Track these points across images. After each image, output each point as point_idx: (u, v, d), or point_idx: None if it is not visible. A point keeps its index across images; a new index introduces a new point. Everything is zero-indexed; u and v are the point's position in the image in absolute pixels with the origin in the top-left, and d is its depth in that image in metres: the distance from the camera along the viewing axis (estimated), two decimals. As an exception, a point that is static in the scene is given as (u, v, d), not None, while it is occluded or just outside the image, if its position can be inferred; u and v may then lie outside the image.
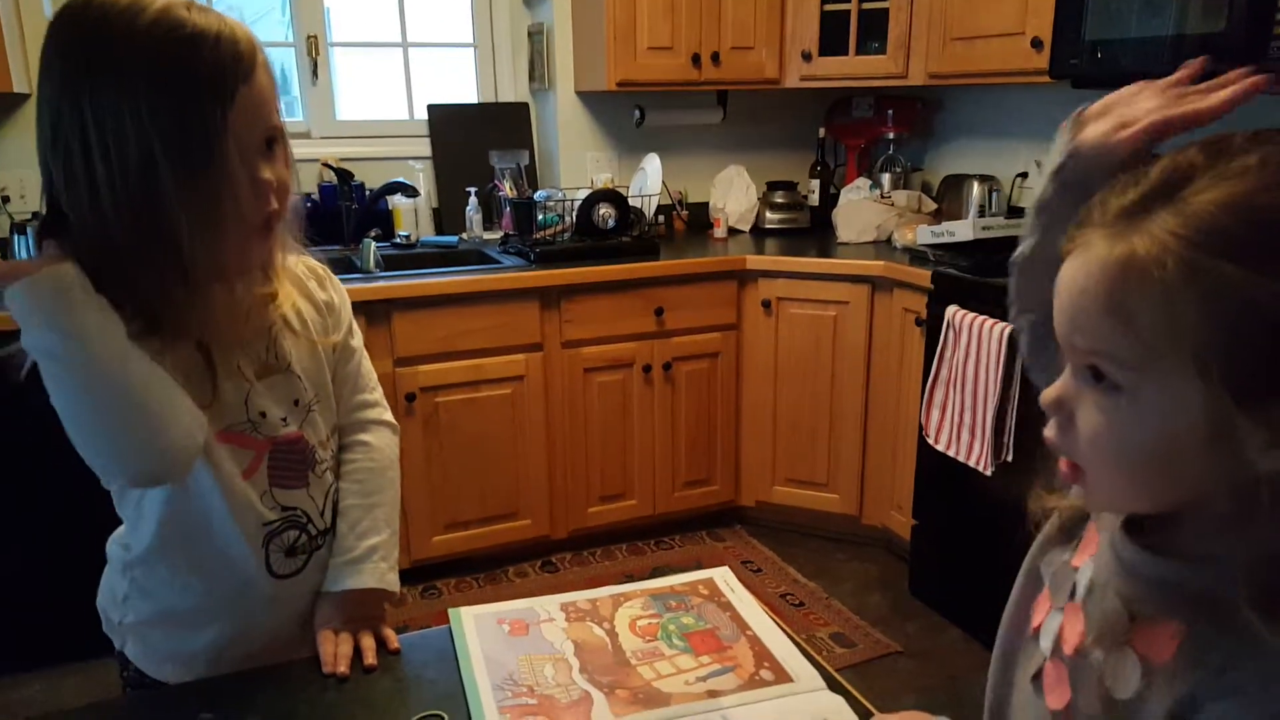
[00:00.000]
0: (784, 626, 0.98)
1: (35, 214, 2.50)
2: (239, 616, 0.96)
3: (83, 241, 0.80)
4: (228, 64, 0.80)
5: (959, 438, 2.30)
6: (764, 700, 0.85)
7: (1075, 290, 0.56)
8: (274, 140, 0.85)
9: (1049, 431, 0.60)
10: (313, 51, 2.95)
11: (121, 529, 0.98)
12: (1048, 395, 0.59)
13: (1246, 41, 1.82)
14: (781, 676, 0.88)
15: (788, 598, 2.64)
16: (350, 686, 0.91)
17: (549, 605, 1.01)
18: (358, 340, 1.07)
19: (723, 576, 1.08)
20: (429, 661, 0.93)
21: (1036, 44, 2.38)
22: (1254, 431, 0.51)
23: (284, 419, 0.94)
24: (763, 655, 0.92)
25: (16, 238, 2.37)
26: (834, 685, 0.87)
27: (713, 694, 0.86)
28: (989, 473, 2.21)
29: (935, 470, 2.44)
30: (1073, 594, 0.65)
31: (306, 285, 1.01)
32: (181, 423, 0.81)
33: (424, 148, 3.08)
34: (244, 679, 0.93)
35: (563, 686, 0.87)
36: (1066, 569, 0.67)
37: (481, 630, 0.96)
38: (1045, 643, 0.66)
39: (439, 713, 0.84)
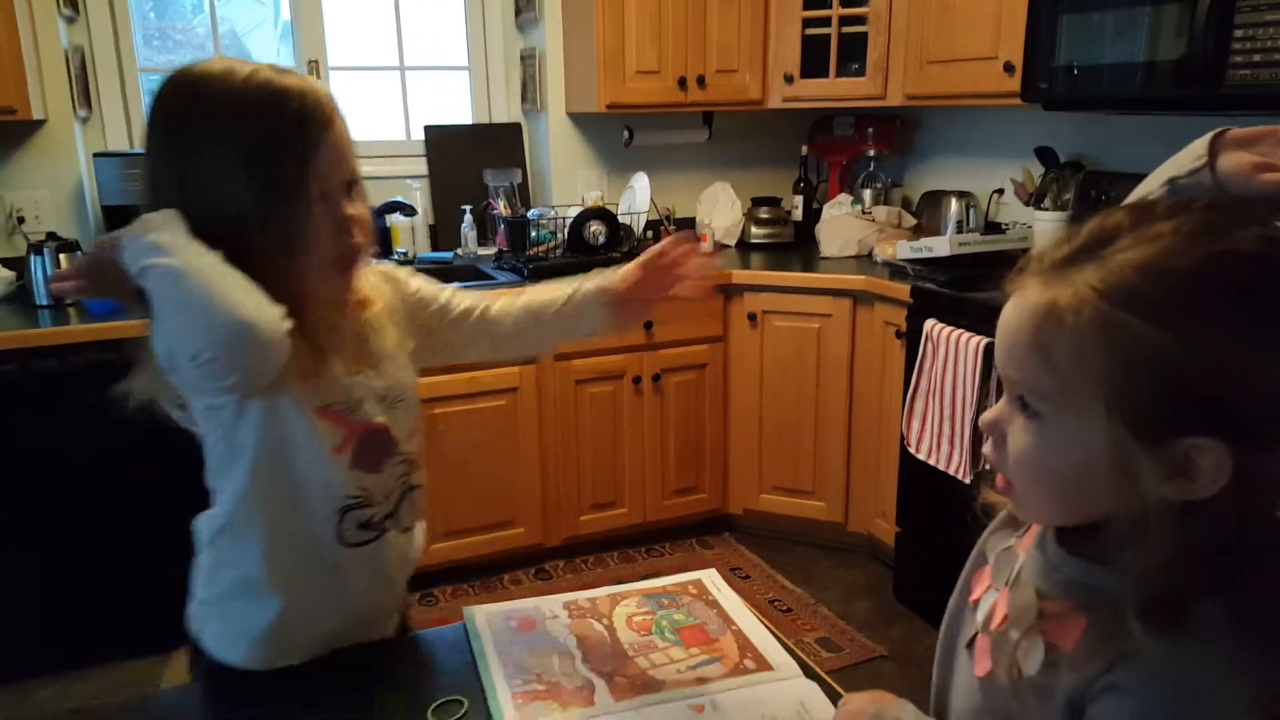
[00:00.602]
0: (765, 621, 1.07)
1: (50, 234, 2.58)
2: (305, 586, 1.03)
3: None
4: (311, 114, 0.92)
5: (939, 447, 2.40)
6: (747, 687, 0.94)
7: (1010, 329, 0.65)
8: (353, 184, 0.98)
9: (986, 448, 0.70)
10: (314, 75, 3.04)
11: (208, 510, 1.07)
12: (985, 418, 0.69)
13: (1206, 68, 1.93)
14: (763, 666, 0.98)
15: (775, 604, 2.73)
16: (379, 674, 1.00)
17: (553, 604, 1.10)
18: (441, 298, 1.17)
19: (710, 578, 1.17)
20: (447, 655, 1.03)
21: (1009, 68, 2.49)
22: (1149, 465, 0.58)
23: (371, 409, 1.02)
24: (746, 647, 1.01)
25: (33, 258, 2.45)
26: (809, 673, 0.97)
27: (701, 681, 0.95)
28: (968, 480, 2.30)
29: (917, 478, 2.53)
30: (1008, 580, 0.74)
31: (385, 294, 1.11)
32: (270, 313, 0.86)
33: (421, 167, 3.17)
34: (286, 671, 1.02)
35: (568, 675, 0.96)
36: (1009, 554, 0.75)
37: (493, 626, 1.05)
38: (980, 615, 0.75)
39: (459, 698, 0.93)
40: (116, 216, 2.64)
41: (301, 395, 0.96)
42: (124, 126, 2.87)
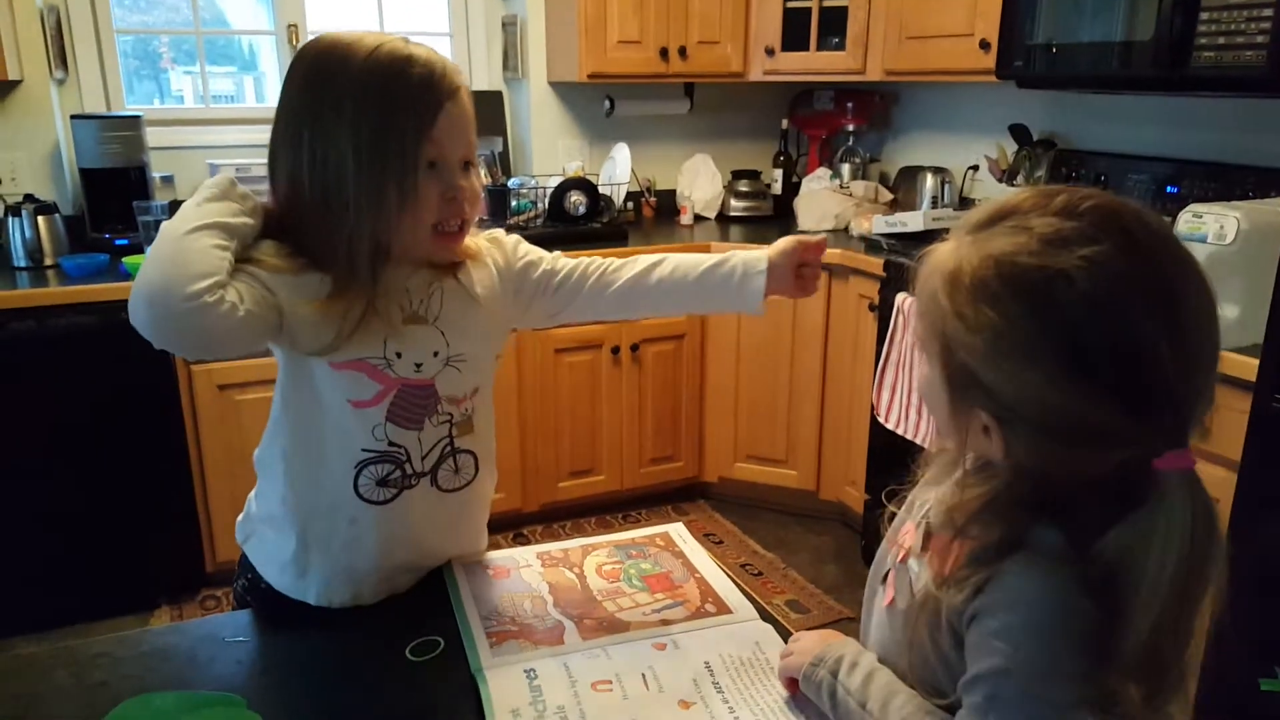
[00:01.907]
0: (726, 570, 1.12)
1: (27, 196, 2.57)
2: (320, 533, 1.06)
3: (283, 217, 0.99)
4: (437, 80, 0.97)
5: (907, 417, 2.46)
6: (707, 628, 1.00)
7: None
8: (470, 162, 1.02)
9: None
10: (293, 39, 3.03)
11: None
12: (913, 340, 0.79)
13: (1172, 50, 1.98)
14: (723, 609, 1.03)
15: (747, 567, 2.80)
16: (358, 618, 1.05)
17: (526, 554, 1.15)
18: (543, 265, 1.17)
19: (677, 531, 1.22)
20: (425, 600, 1.07)
21: (984, 45, 2.53)
22: (963, 420, 0.70)
23: (418, 365, 1.03)
24: (708, 593, 1.07)
25: (10, 220, 2.45)
26: (765, 616, 1.03)
27: (665, 623, 1.00)
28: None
29: (886, 447, 2.59)
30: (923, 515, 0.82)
31: (484, 257, 1.12)
32: (191, 285, 0.87)
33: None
34: (274, 610, 1.07)
35: (539, 617, 1.01)
36: (922, 503, 0.84)
37: (469, 573, 1.10)
38: (891, 551, 0.84)
39: (436, 638, 0.98)
40: (94, 179, 2.64)
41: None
42: (101, 88, 2.85)
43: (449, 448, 1.09)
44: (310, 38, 1.01)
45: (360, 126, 0.94)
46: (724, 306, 1.17)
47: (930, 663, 0.74)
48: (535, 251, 1.18)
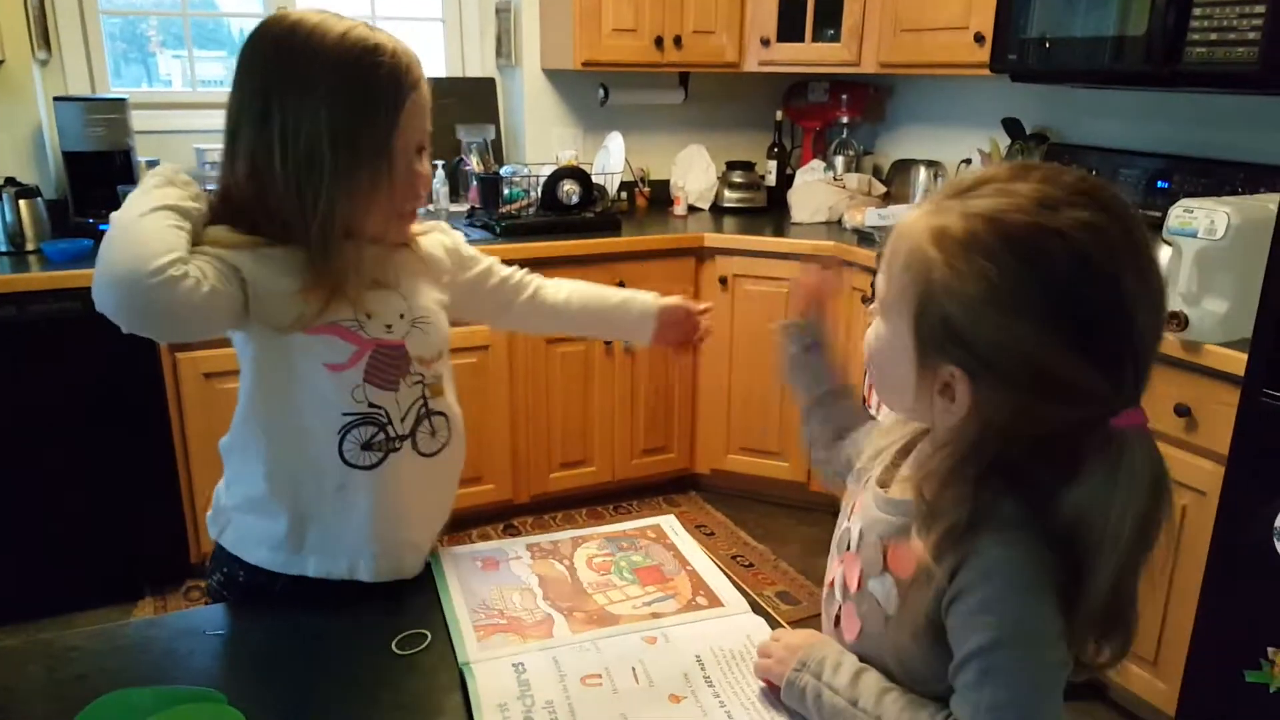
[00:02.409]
0: (718, 562, 1.12)
1: (9, 179, 2.54)
2: (310, 505, 1.06)
3: (242, 202, 0.99)
4: (403, 73, 0.99)
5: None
6: (698, 621, 0.99)
7: (887, 241, 0.76)
8: (423, 147, 1.04)
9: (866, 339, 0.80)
10: (283, 24, 2.99)
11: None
12: (869, 308, 0.79)
13: (1165, 45, 1.97)
14: (714, 602, 1.03)
15: (738, 559, 2.80)
16: (344, 610, 1.03)
17: (516, 546, 1.15)
18: (484, 261, 1.27)
19: (669, 523, 1.22)
20: (413, 592, 1.06)
21: (979, 39, 2.52)
22: (929, 378, 0.71)
23: (388, 326, 1.05)
24: (699, 585, 1.06)
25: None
26: (756, 609, 1.02)
27: (655, 616, 1.00)
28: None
29: (876, 439, 2.60)
30: (848, 546, 0.83)
31: (434, 235, 1.19)
32: (154, 264, 0.88)
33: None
34: (255, 601, 1.06)
35: (529, 610, 1.00)
36: (842, 531, 0.85)
37: (458, 565, 1.09)
38: (838, 592, 0.84)
39: (423, 631, 0.97)
40: (78, 162, 2.60)
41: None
42: (85, 70, 2.81)
43: (424, 409, 1.10)
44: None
45: (335, 112, 0.95)
46: (618, 335, 1.42)
47: (916, 667, 0.75)
48: (472, 248, 1.25)
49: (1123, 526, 0.65)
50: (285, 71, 0.96)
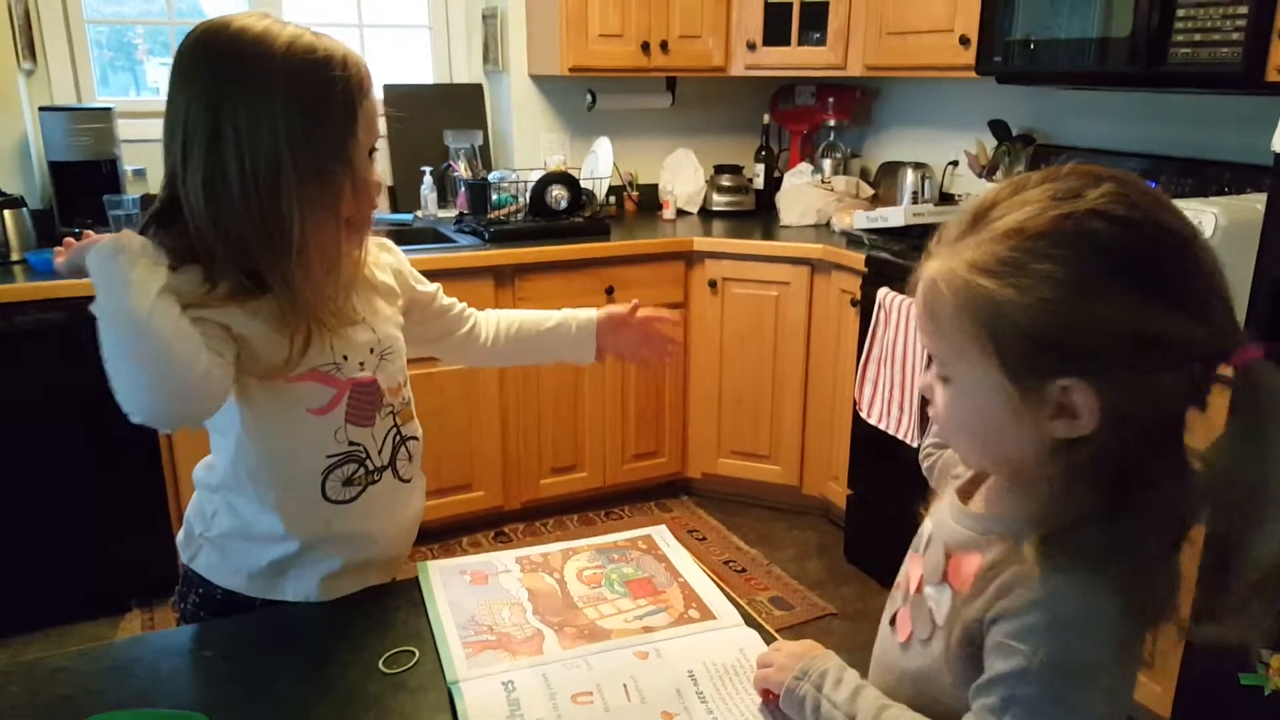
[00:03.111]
0: (710, 573, 1.11)
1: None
2: (299, 537, 1.06)
3: (204, 221, 0.94)
4: (354, 80, 0.96)
5: (889, 412, 2.46)
6: (690, 635, 0.98)
7: (916, 301, 0.72)
8: (374, 150, 1.03)
9: (930, 410, 0.76)
10: (267, 31, 2.98)
11: (207, 458, 1.11)
12: (921, 383, 0.75)
13: (1150, 46, 1.98)
14: (706, 615, 1.02)
15: (730, 564, 2.79)
16: (330, 626, 1.02)
17: (505, 559, 1.13)
18: (431, 285, 1.25)
19: (660, 533, 1.21)
20: (400, 607, 1.05)
21: (964, 41, 2.53)
22: (1033, 408, 0.66)
23: (361, 364, 1.05)
24: (691, 598, 1.05)
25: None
26: (750, 621, 1.01)
27: (647, 630, 0.99)
28: (916, 444, 2.37)
29: (869, 442, 2.60)
30: (920, 548, 0.81)
31: (380, 257, 1.16)
32: (195, 369, 0.89)
33: (380, 126, 3.12)
34: (240, 620, 1.04)
35: (518, 626, 0.99)
36: (920, 531, 0.83)
37: (446, 580, 1.08)
38: (899, 594, 0.82)
39: (410, 648, 0.96)
40: (64, 172, 2.58)
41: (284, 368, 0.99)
42: (71, 80, 2.79)
43: (398, 436, 1.11)
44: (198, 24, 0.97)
45: (294, 123, 0.92)
46: (562, 357, 1.33)
47: (944, 682, 0.73)
48: (418, 273, 1.24)
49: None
50: (233, 81, 0.92)
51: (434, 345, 1.29)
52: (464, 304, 1.31)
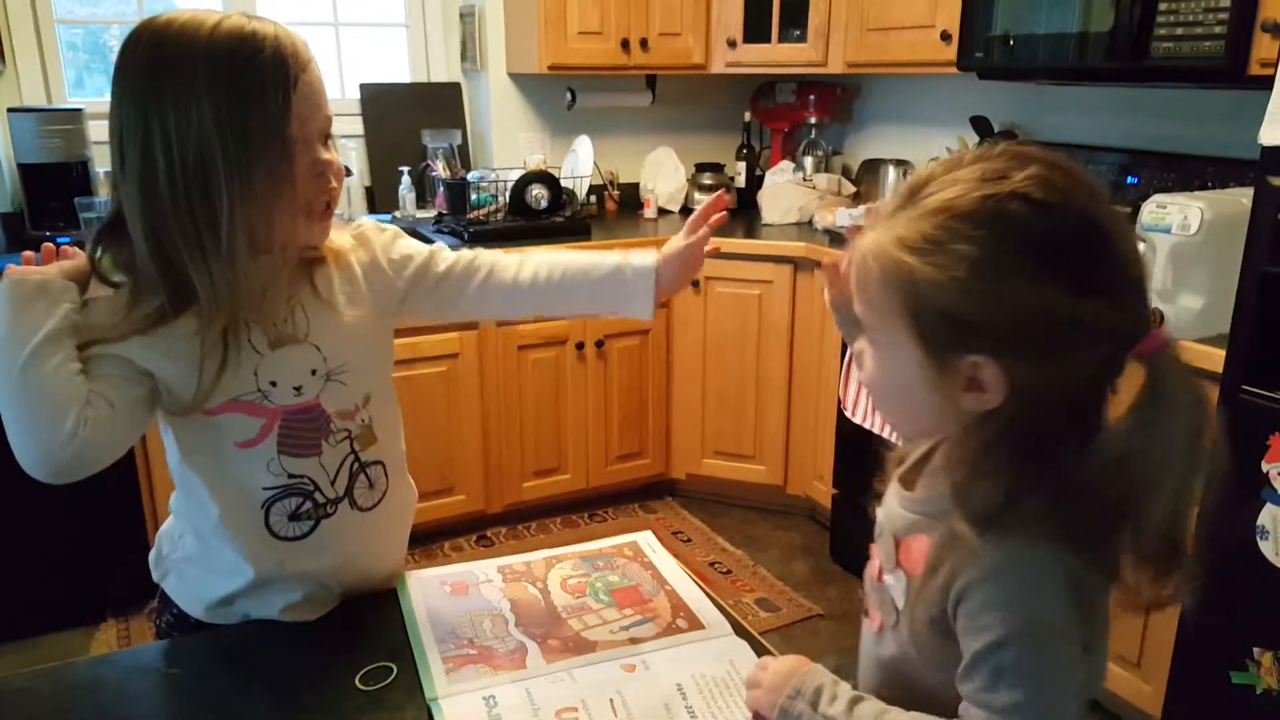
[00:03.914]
0: (698, 581, 1.08)
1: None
2: (251, 573, 1.00)
3: (138, 228, 0.89)
4: (287, 56, 0.89)
5: (873, 411, 2.45)
6: (678, 646, 0.95)
7: (851, 273, 0.75)
8: (327, 133, 0.95)
9: (859, 374, 0.78)
10: (240, 29, 2.93)
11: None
12: (855, 348, 0.77)
13: (1132, 40, 1.97)
14: (695, 625, 0.99)
15: (715, 565, 2.77)
16: (304, 643, 0.99)
17: (487, 568, 1.10)
18: (419, 255, 1.10)
19: (646, 540, 1.18)
20: (377, 620, 1.01)
21: (945, 37, 2.51)
22: (948, 381, 0.69)
23: (297, 388, 0.97)
24: (679, 607, 1.02)
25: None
26: (740, 631, 0.98)
27: (634, 641, 0.96)
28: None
29: (853, 442, 2.58)
30: (874, 538, 0.84)
31: (348, 257, 1.04)
32: (60, 431, 0.87)
33: (357, 126, 3.09)
34: (212, 636, 1.00)
35: (500, 638, 0.96)
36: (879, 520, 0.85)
37: (425, 591, 1.05)
38: (867, 584, 0.84)
39: (388, 664, 0.93)
40: (34, 174, 2.53)
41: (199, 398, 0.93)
42: (41, 81, 2.73)
43: (355, 464, 1.04)
44: (135, 24, 0.93)
45: (219, 106, 0.86)
46: (613, 310, 1.14)
47: (927, 664, 0.74)
48: (413, 245, 1.11)
49: (1173, 450, 0.66)
50: (158, 73, 0.87)
51: (454, 309, 1.14)
52: (474, 254, 1.14)
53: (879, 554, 0.81)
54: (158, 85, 0.87)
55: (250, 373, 0.95)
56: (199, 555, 1.03)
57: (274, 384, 0.96)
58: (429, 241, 1.15)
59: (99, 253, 0.93)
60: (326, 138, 0.95)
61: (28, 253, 0.94)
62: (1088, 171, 0.71)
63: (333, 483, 1.02)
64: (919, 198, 0.70)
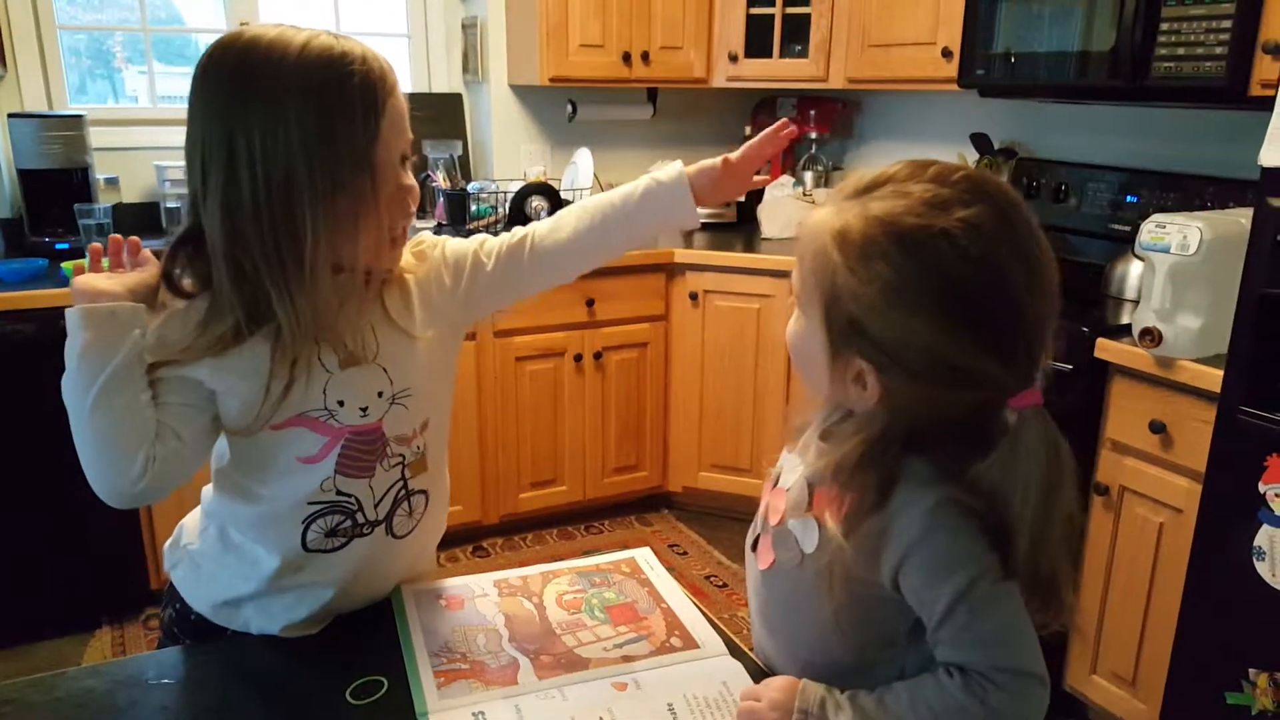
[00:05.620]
0: (695, 601, 1.08)
1: None
2: (267, 577, 1.00)
3: (218, 247, 0.88)
4: (377, 79, 0.89)
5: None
6: (672, 665, 0.94)
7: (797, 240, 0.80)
8: (406, 157, 0.94)
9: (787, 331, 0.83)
10: (243, 38, 2.93)
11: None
12: (789, 303, 0.83)
13: (1133, 60, 1.98)
14: (689, 644, 0.98)
15: (711, 579, 2.76)
16: (297, 654, 0.98)
17: (483, 582, 1.09)
18: (466, 250, 1.08)
19: (644, 556, 1.17)
20: (370, 633, 1.01)
21: (946, 54, 2.52)
22: (841, 368, 0.75)
23: (363, 409, 0.96)
24: (674, 625, 1.02)
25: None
26: (735, 651, 0.97)
27: (627, 659, 0.95)
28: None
29: (850, 456, 2.58)
30: (776, 481, 0.88)
31: (414, 276, 1.03)
32: (129, 473, 0.89)
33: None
34: (204, 647, 0.99)
35: (493, 653, 0.95)
36: (778, 466, 0.90)
37: (420, 604, 1.04)
38: (758, 522, 0.90)
39: (379, 678, 0.92)
40: (34, 180, 2.53)
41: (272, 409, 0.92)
42: (42, 87, 2.73)
43: (403, 491, 1.03)
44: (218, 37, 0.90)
45: (308, 129, 0.84)
46: (659, 226, 1.15)
47: (871, 609, 0.78)
48: (460, 246, 1.08)
49: (1028, 498, 0.71)
50: (246, 94, 0.85)
51: (514, 291, 1.10)
52: (510, 232, 1.10)
53: (785, 500, 0.84)
54: (245, 103, 0.85)
55: (320, 390, 0.94)
56: (218, 553, 1.02)
57: (341, 403, 0.95)
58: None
59: (175, 269, 0.92)
60: (405, 160, 0.94)
61: (95, 245, 0.95)
62: (1033, 222, 0.73)
63: (376, 506, 1.01)
64: (872, 195, 0.73)
